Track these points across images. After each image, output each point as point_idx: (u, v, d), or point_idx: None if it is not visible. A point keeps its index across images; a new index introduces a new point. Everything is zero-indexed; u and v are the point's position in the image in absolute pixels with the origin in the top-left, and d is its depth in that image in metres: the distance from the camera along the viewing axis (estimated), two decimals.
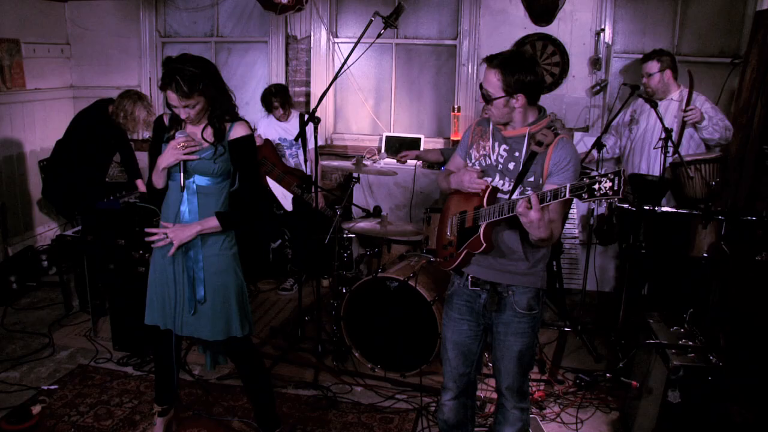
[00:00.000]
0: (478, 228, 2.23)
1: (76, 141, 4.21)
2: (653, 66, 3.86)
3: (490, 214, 2.18)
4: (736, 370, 2.66)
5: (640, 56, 4.76)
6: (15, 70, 4.97)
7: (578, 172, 2.20)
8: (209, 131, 2.44)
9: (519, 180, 2.19)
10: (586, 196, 1.88)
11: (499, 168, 2.26)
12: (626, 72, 4.85)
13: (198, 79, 2.31)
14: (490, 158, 2.29)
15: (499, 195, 2.24)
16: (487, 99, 2.20)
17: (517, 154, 2.22)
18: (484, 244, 2.21)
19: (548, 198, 1.98)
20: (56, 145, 4.40)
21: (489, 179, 2.27)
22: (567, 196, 1.92)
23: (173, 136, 2.43)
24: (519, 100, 2.17)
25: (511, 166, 2.23)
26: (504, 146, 2.25)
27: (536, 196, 1.98)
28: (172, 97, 2.32)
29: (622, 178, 1.81)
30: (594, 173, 1.90)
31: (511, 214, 2.08)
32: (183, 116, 2.39)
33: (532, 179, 2.19)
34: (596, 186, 1.85)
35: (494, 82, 2.15)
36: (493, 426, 2.53)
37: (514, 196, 2.19)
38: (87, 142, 4.18)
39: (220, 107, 2.42)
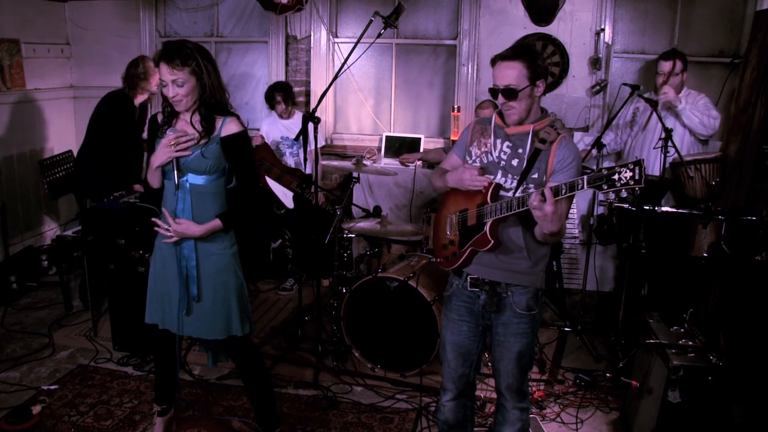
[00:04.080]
0: (483, 225, 2.22)
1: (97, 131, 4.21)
2: (678, 65, 3.87)
3: (496, 210, 2.18)
4: (736, 370, 2.66)
5: (639, 56, 4.80)
6: (15, 70, 4.97)
7: (580, 171, 2.21)
8: (197, 118, 2.40)
9: (523, 177, 2.19)
10: (606, 187, 1.87)
11: (501, 165, 2.25)
12: (636, 72, 4.85)
13: (192, 57, 2.31)
14: (491, 155, 2.28)
15: (502, 192, 2.24)
16: (512, 94, 2.16)
17: (520, 151, 2.22)
18: (492, 241, 2.20)
19: (564, 191, 1.98)
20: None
21: (491, 176, 2.26)
22: (585, 188, 1.92)
23: (164, 132, 2.41)
24: (540, 87, 2.18)
25: (514, 163, 2.23)
26: (507, 143, 2.25)
27: (550, 190, 1.98)
28: (164, 70, 2.31)
29: (643, 167, 1.81)
30: (610, 163, 1.90)
31: (522, 209, 2.09)
32: (170, 94, 2.34)
33: (535, 176, 2.19)
34: (615, 176, 1.85)
35: (518, 74, 2.14)
36: (493, 426, 2.53)
37: (518, 194, 2.19)
38: (107, 131, 4.17)
39: (211, 95, 2.38)
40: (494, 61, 2.21)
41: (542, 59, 2.20)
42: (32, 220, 5.25)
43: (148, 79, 4.20)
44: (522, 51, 2.17)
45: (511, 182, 2.23)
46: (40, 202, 5.30)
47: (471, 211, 2.28)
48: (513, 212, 2.13)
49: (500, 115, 2.28)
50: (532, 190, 2.19)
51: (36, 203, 5.28)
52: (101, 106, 4.22)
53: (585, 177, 1.92)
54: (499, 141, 2.27)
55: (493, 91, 2.20)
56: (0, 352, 3.69)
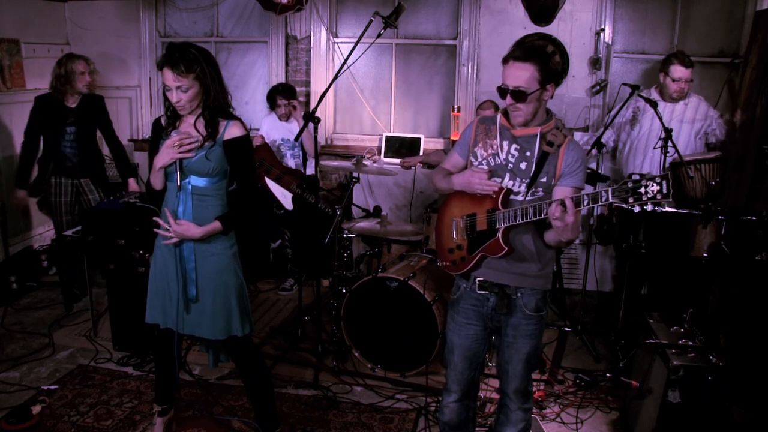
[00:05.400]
0: (495, 231, 2.19)
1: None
2: (690, 73, 3.86)
3: (510, 217, 2.14)
4: (736, 370, 2.66)
5: (639, 56, 4.80)
6: (15, 70, 4.97)
7: (586, 173, 2.20)
8: (201, 122, 2.42)
9: (533, 181, 2.16)
10: (631, 201, 1.84)
11: (509, 167, 2.22)
12: (636, 72, 4.85)
13: (197, 62, 2.31)
14: (499, 157, 2.24)
15: (512, 197, 2.21)
16: (521, 96, 2.11)
17: (528, 153, 2.19)
18: (506, 248, 2.17)
19: (586, 202, 1.95)
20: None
21: (498, 179, 2.23)
22: (610, 200, 1.89)
23: (169, 134, 2.42)
24: (550, 91, 2.15)
25: (522, 166, 2.20)
26: (515, 146, 2.21)
27: (571, 200, 1.95)
28: (168, 76, 2.31)
29: (670, 181, 1.78)
30: (635, 175, 1.86)
31: (539, 218, 2.06)
32: (174, 99, 2.35)
33: (544, 180, 2.17)
34: (642, 189, 1.83)
35: (529, 76, 2.10)
36: (495, 426, 2.53)
37: (528, 197, 2.18)
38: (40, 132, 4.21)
39: (215, 99, 2.39)
40: (506, 60, 2.15)
41: (555, 62, 2.17)
42: (32, 220, 5.24)
43: (72, 82, 4.07)
44: (535, 53, 2.13)
45: (520, 185, 2.20)
46: (41, 202, 5.28)
47: (480, 217, 2.24)
48: (528, 221, 2.10)
49: (505, 114, 2.25)
50: (540, 194, 2.18)
51: (36, 203, 5.26)
52: (32, 110, 4.17)
53: (609, 189, 1.89)
54: (505, 143, 2.23)
55: (502, 91, 2.15)
56: (0, 352, 3.69)
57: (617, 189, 1.88)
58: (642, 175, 1.87)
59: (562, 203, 1.96)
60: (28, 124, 4.21)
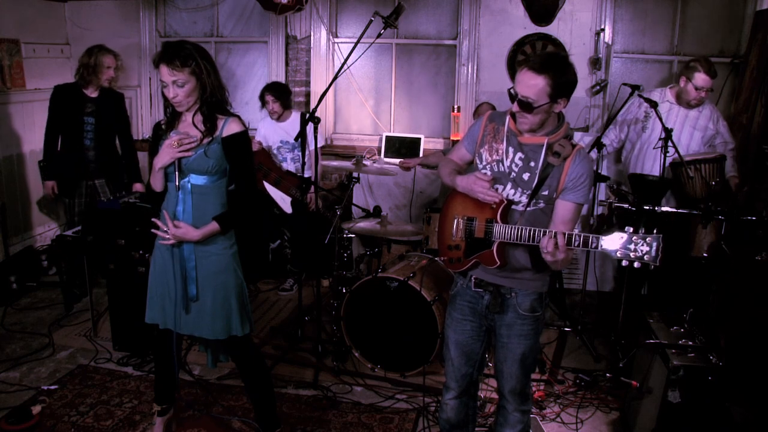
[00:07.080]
0: (490, 243, 2.19)
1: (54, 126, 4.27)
2: (713, 83, 3.81)
3: (506, 234, 2.13)
4: (736, 370, 2.66)
5: (639, 56, 4.80)
6: (15, 70, 4.97)
7: (591, 187, 2.19)
8: (199, 118, 2.42)
9: (534, 194, 2.14)
10: (619, 255, 1.89)
11: (512, 176, 2.20)
12: (636, 72, 4.85)
13: (192, 57, 2.32)
14: (503, 164, 2.21)
15: (513, 206, 2.20)
16: (527, 107, 2.06)
17: (532, 164, 2.15)
18: (499, 262, 2.18)
19: (576, 243, 1.97)
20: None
21: (500, 187, 2.21)
22: (599, 249, 1.92)
23: (168, 135, 2.43)
24: (561, 105, 2.09)
25: (525, 176, 2.17)
26: (520, 154, 2.18)
27: (563, 237, 1.96)
28: (164, 71, 2.32)
29: (661, 245, 1.80)
30: (628, 228, 1.89)
31: (531, 244, 2.07)
32: (171, 95, 2.36)
33: (546, 192, 2.15)
34: (632, 246, 1.86)
35: (539, 89, 2.03)
36: (494, 426, 2.53)
37: (530, 208, 2.17)
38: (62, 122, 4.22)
39: (212, 94, 2.40)
40: (521, 65, 2.11)
41: (572, 74, 2.07)
42: (32, 220, 5.25)
43: (98, 73, 4.11)
44: (550, 65, 2.04)
45: (521, 196, 2.19)
46: (40, 202, 5.29)
47: (479, 224, 2.24)
48: (521, 243, 2.11)
49: (514, 117, 2.20)
50: (542, 205, 2.18)
51: (36, 203, 5.27)
52: (50, 99, 4.20)
53: (601, 238, 1.92)
54: (511, 149, 2.19)
55: (511, 96, 2.12)
56: (0, 352, 3.69)
57: (609, 239, 1.92)
58: (635, 229, 1.89)
59: (554, 236, 1.97)
60: (49, 114, 4.23)
